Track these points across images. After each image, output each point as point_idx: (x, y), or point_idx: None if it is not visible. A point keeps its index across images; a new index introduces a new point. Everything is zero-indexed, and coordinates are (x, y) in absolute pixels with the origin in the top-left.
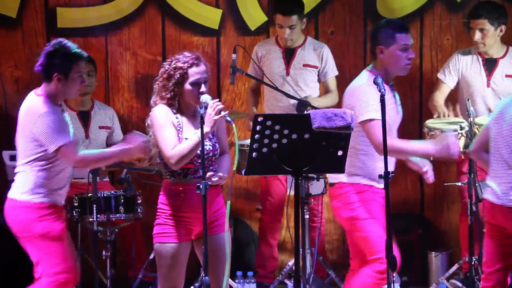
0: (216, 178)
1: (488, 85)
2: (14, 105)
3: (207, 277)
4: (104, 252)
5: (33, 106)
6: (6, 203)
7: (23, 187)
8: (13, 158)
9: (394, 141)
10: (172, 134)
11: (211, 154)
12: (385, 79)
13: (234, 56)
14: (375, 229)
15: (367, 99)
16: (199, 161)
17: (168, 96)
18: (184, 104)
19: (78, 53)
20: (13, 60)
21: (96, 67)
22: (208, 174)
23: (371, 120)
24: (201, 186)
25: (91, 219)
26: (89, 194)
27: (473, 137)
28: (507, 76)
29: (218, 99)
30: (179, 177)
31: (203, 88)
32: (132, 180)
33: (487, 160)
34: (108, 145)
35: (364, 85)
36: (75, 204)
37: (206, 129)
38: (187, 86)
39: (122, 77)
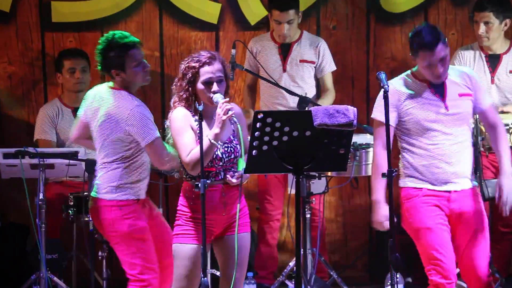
0: (235, 180)
1: (492, 81)
2: (7, 102)
3: (205, 278)
4: (100, 253)
5: (118, 103)
6: (91, 203)
7: (107, 185)
8: (6, 156)
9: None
10: (189, 139)
11: (232, 156)
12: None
13: (233, 51)
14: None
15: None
16: (221, 164)
17: (185, 96)
18: (204, 106)
19: (127, 43)
20: (6, 55)
21: (91, 62)
22: (228, 176)
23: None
24: (199, 185)
25: (86, 219)
26: (85, 193)
27: (478, 134)
28: (511, 72)
29: (228, 99)
30: (200, 179)
31: (214, 87)
32: None
33: None
34: None
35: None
36: (70, 203)
37: (216, 130)
38: (199, 85)
39: None
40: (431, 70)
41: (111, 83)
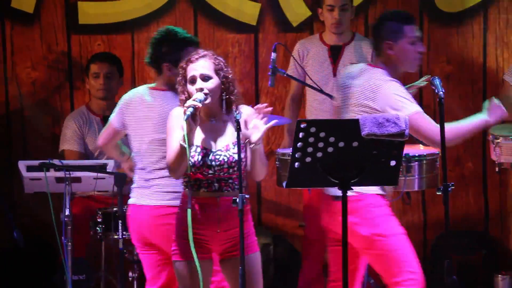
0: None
1: None
2: (31, 109)
3: None
4: (130, 273)
5: (164, 108)
6: (144, 212)
7: (171, 192)
8: (30, 168)
9: (447, 127)
10: (175, 140)
11: (226, 166)
12: (394, 76)
13: (273, 55)
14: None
15: (401, 94)
16: (210, 172)
17: (183, 97)
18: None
19: (187, 38)
20: (29, 59)
21: (121, 68)
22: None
23: (416, 113)
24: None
25: (116, 237)
26: (114, 209)
27: None
28: None
29: (202, 96)
30: (192, 188)
31: (198, 83)
32: None
33: None
34: None
35: (389, 80)
36: (98, 219)
37: (184, 131)
38: (188, 86)
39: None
40: None
41: (152, 84)
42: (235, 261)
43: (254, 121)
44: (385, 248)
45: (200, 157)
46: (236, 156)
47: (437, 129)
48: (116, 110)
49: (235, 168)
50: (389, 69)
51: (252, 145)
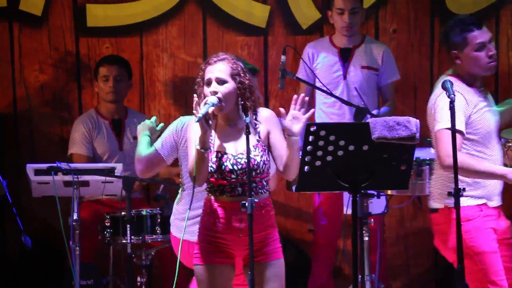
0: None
1: None
2: (38, 112)
3: None
4: (139, 278)
5: None
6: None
7: None
8: (38, 172)
9: (464, 157)
10: (194, 150)
11: (247, 169)
12: (471, 83)
13: (283, 58)
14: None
15: (442, 107)
16: (233, 176)
17: (200, 102)
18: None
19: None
20: (37, 62)
21: (130, 70)
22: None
23: (442, 129)
24: (246, 204)
25: (124, 241)
26: (122, 213)
27: None
28: None
29: (216, 98)
30: (215, 194)
31: (213, 86)
32: (170, 197)
33: None
34: None
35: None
36: (107, 224)
37: (199, 135)
38: (204, 88)
39: (159, 82)
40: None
41: None
42: (258, 266)
43: (292, 112)
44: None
45: (222, 162)
46: (258, 159)
47: (449, 154)
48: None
49: (258, 171)
50: (464, 76)
51: (293, 137)
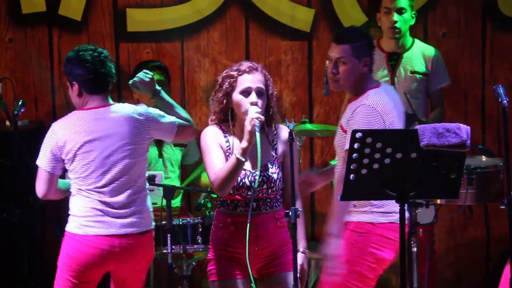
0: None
1: None
2: None
3: None
4: None
5: None
6: None
7: None
8: None
9: None
10: (217, 157)
11: (265, 186)
12: None
13: (328, 63)
14: None
15: None
16: (249, 193)
17: (218, 109)
18: (239, 122)
19: None
20: None
21: (168, 75)
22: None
23: None
24: (290, 213)
25: (164, 251)
26: (163, 222)
27: None
28: None
29: (260, 110)
30: (228, 207)
31: (253, 97)
32: (212, 206)
33: None
34: (183, 166)
35: None
36: None
37: (243, 144)
38: (236, 96)
39: (200, 88)
40: None
41: None
42: (272, 278)
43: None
44: None
45: (240, 178)
46: (274, 176)
47: None
48: None
49: (274, 189)
50: None
51: None
